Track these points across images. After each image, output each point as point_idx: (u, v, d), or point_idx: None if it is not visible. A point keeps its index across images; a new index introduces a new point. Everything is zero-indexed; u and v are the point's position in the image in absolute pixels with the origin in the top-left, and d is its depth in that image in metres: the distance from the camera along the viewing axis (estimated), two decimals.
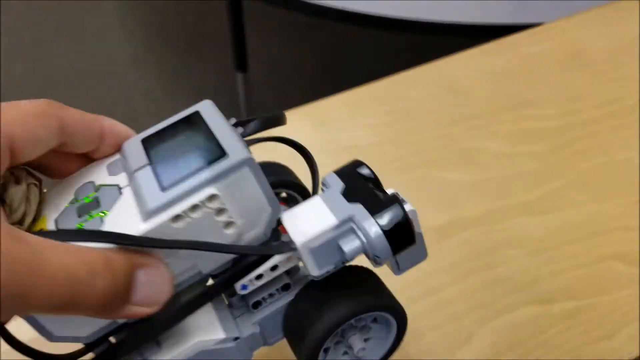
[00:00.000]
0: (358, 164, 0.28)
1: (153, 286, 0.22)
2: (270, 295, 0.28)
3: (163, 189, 0.23)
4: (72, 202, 0.25)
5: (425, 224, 0.47)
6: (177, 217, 0.23)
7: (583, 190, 0.51)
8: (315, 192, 0.28)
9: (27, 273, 0.18)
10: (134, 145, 0.26)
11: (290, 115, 0.53)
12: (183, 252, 0.24)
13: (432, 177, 0.51)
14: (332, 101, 0.56)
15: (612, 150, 0.54)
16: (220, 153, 0.24)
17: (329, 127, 0.53)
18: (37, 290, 0.19)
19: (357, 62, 1.51)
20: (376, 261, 0.25)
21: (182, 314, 0.25)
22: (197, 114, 0.26)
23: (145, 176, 0.24)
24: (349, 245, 0.24)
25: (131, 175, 0.25)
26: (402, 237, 0.25)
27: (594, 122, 0.56)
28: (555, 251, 0.47)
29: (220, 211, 0.24)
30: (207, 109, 0.27)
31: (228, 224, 0.24)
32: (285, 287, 0.28)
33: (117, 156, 0.27)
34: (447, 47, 0.64)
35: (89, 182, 0.26)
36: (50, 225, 0.25)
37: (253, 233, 0.25)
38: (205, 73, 1.49)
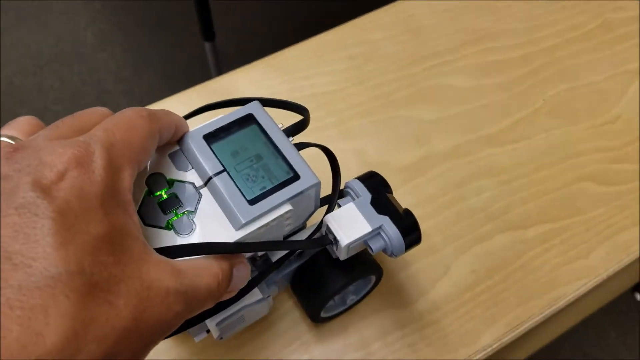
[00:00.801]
0: (374, 174, 0.35)
1: (240, 278, 0.26)
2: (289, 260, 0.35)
3: (250, 203, 0.27)
4: (148, 194, 0.28)
5: (397, 163, 0.46)
6: (261, 227, 0.28)
7: (550, 117, 0.50)
8: (335, 190, 0.33)
9: (190, 304, 0.22)
10: (198, 143, 0.29)
11: (254, 67, 0.51)
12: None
13: (399, 117, 0.49)
14: (294, 50, 0.53)
15: (576, 76, 0.52)
16: (295, 175, 0.29)
17: (293, 77, 0.51)
18: (193, 311, 0.23)
19: (324, 11, 1.47)
20: (391, 256, 0.32)
21: (248, 290, 0.30)
22: (251, 117, 0.31)
23: (226, 185, 0.28)
24: (376, 244, 0.31)
25: (208, 180, 0.28)
26: (414, 242, 0.32)
27: (556, 50, 0.54)
28: (526, 178, 0.46)
29: (288, 218, 0.29)
30: (258, 112, 0.31)
31: (288, 224, 0.30)
32: (300, 254, 0.36)
33: (175, 147, 0.29)
34: None
35: (158, 174, 0.28)
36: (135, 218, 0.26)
37: (298, 224, 0.32)
38: (174, 46, 1.44)
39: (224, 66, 1.20)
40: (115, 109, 0.27)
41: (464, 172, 0.46)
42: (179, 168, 0.29)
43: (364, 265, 0.35)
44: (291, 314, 0.38)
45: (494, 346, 0.38)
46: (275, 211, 0.28)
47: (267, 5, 1.53)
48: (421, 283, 0.40)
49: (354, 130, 0.48)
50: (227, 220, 0.28)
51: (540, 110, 0.50)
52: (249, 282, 0.28)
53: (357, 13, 0.57)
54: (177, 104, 0.48)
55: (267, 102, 0.32)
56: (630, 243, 0.43)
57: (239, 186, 0.28)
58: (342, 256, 0.32)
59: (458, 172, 0.46)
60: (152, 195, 0.28)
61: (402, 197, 0.44)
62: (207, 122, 0.30)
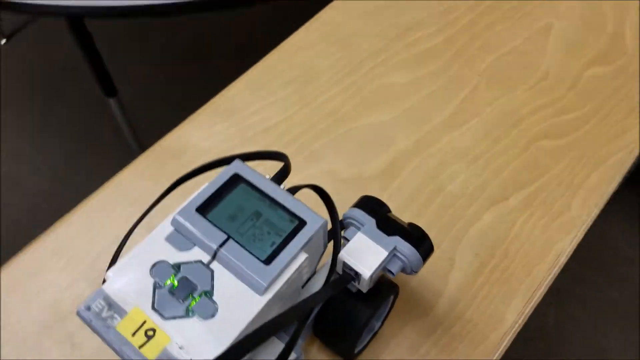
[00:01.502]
0: (369, 198, 0.34)
1: None
2: None
3: (266, 263, 0.26)
4: (157, 287, 0.25)
5: (369, 172, 0.45)
6: (284, 284, 0.26)
7: (489, 89, 0.51)
8: (336, 225, 0.30)
9: None
10: (192, 218, 0.27)
11: (198, 116, 0.49)
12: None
13: (355, 128, 0.48)
14: (232, 90, 0.51)
15: (497, 45, 0.54)
16: (300, 222, 0.28)
17: (240, 116, 0.49)
18: None
19: (227, 45, 1.45)
20: (410, 273, 0.32)
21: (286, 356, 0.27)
22: (237, 177, 0.29)
23: (236, 252, 0.26)
24: (395, 267, 0.31)
25: (215, 253, 0.26)
26: (429, 253, 0.32)
27: (473, 25, 0.56)
28: (489, 152, 0.47)
29: (305, 266, 0.28)
30: (243, 169, 0.29)
31: (306, 272, 0.29)
32: None
33: (170, 229, 0.27)
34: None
35: (160, 262, 0.26)
36: (154, 318, 0.25)
37: (313, 269, 0.31)
38: (74, 107, 1.36)
39: (132, 116, 1.15)
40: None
41: (434, 163, 0.46)
42: (181, 249, 0.27)
43: (382, 287, 0.34)
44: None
45: (519, 321, 0.38)
46: (293, 264, 0.27)
47: (160, 51, 1.48)
48: (433, 284, 0.40)
49: (317, 153, 0.46)
50: (248, 288, 0.26)
51: (479, 86, 0.51)
52: (285, 349, 0.26)
53: (269, 42, 0.55)
54: (137, 172, 0.45)
55: (243, 158, 0.31)
56: (599, 184, 0.45)
57: (248, 249, 0.27)
58: (366, 288, 0.31)
59: (428, 165, 0.46)
60: (159, 287, 0.25)
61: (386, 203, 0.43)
62: (194, 195, 0.29)
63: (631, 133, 0.48)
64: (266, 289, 0.26)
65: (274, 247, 0.27)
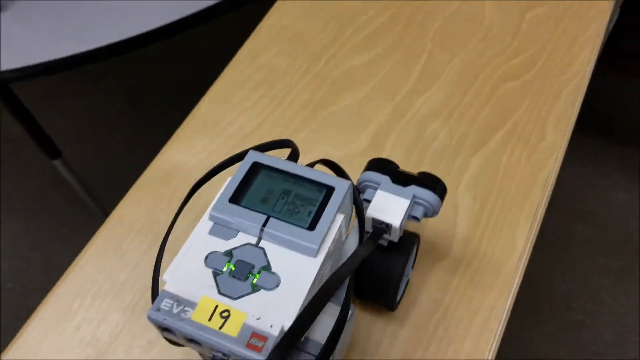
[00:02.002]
0: (376, 159, 0.36)
1: None
2: None
3: (310, 229, 0.28)
4: (217, 274, 0.27)
5: (358, 149, 0.48)
6: (331, 244, 0.28)
7: (443, 51, 0.54)
8: (352, 191, 0.32)
9: None
10: (228, 209, 0.29)
11: (178, 137, 0.50)
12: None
13: (331, 114, 0.50)
14: (203, 106, 0.52)
15: (440, 9, 0.58)
16: (329, 188, 0.29)
17: (219, 128, 0.50)
18: None
19: (164, 91, 1.44)
20: (432, 216, 0.35)
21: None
22: (257, 164, 0.31)
23: (280, 227, 0.28)
24: (418, 212, 0.34)
25: (261, 232, 0.28)
26: (444, 193, 0.35)
27: None
28: (460, 106, 0.50)
29: (343, 227, 0.29)
30: (259, 157, 0.31)
31: (344, 233, 0.30)
32: None
33: (210, 224, 0.29)
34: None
35: (212, 253, 0.28)
36: (224, 300, 0.26)
37: (346, 231, 0.31)
38: (23, 177, 1.32)
39: (84, 172, 1.13)
40: None
41: (414, 127, 0.49)
42: (227, 239, 0.28)
43: (406, 238, 0.36)
44: (361, 320, 0.38)
45: (528, 246, 0.41)
46: (334, 225, 0.29)
47: (104, 99, 1.46)
48: (444, 231, 0.42)
49: (303, 145, 0.48)
50: (302, 255, 0.28)
51: (433, 51, 0.55)
52: (345, 304, 0.28)
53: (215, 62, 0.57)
54: (133, 203, 0.45)
55: (263, 149, 0.33)
56: (564, 110, 0.49)
57: (290, 222, 0.28)
58: (397, 237, 0.33)
59: (409, 130, 0.49)
60: (219, 274, 0.27)
61: None
62: (222, 190, 0.30)
63: (577, 60, 0.52)
64: (318, 251, 0.27)
65: (312, 215, 0.28)
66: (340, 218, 0.29)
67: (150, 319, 0.26)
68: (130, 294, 0.41)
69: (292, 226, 0.28)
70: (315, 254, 0.27)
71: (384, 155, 0.47)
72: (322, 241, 0.28)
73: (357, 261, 0.27)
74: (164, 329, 0.27)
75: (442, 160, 0.46)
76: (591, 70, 0.52)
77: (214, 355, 0.25)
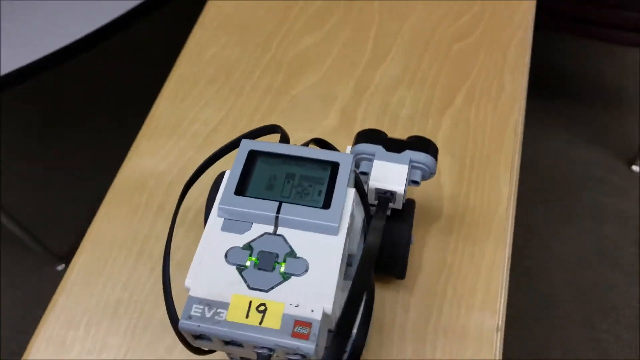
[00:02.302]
0: (362, 132, 0.35)
1: None
2: None
3: (325, 207, 0.27)
4: (241, 269, 0.26)
5: (329, 127, 0.47)
6: (349, 218, 0.28)
7: (392, 20, 0.55)
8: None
9: None
10: (236, 202, 0.28)
11: (140, 143, 0.47)
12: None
13: (294, 97, 0.49)
14: (159, 107, 0.49)
15: None
16: (333, 164, 0.29)
17: (182, 127, 0.48)
18: None
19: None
20: (430, 177, 0.34)
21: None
22: (253, 152, 0.30)
23: (295, 211, 0.27)
24: (417, 176, 0.34)
25: (276, 220, 0.27)
26: (436, 153, 0.34)
27: None
28: (420, 71, 0.51)
29: (354, 199, 0.29)
30: (254, 144, 0.30)
31: (356, 203, 0.30)
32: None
33: (220, 221, 0.28)
34: None
35: (231, 249, 0.27)
36: (257, 294, 0.25)
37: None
38: None
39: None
40: None
41: (379, 98, 0.49)
42: (242, 232, 0.27)
43: (404, 204, 0.36)
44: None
45: (513, 192, 0.43)
46: (348, 200, 0.29)
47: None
48: (431, 193, 0.43)
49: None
50: (323, 235, 0.27)
51: (382, 20, 0.55)
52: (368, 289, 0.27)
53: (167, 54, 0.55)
54: (109, 217, 0.42)
55: (251, 137, 0.32)
56: (517, 59, 0.50)
57: (304, 204, 0.27)
58: (401, 204, 0.33)
59: (376, 102, 0.49)
60: (244, 269, 0.26)
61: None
62: (224, 184, 0.29)
63: (520, 11, 0.54)
64: (339, 228, 0.27)
65: (323, 194, 0.28)
66: (351, 192, 0.28)
67: (182, 329, 0.24)
68: (126, 315, 0.38)
69: (306, 208, 0.27)
70: (336, 231, 0.27)
71: (355, 129, 0.47)
72: (341, 218, 0.27)
73: (379, 234, 0.27)
74: (197, 337, 0.25)
75: (414, 125, 0.47)
76: (533, 20, 0.54)
77: (258, 354, 0.24)
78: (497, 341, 0.36)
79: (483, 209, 0.42)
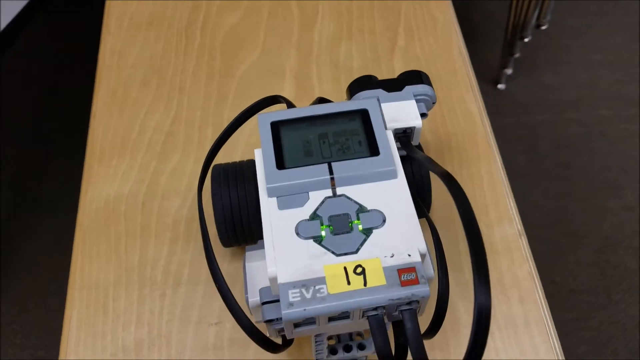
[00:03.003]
0: (355, 81, 0.34)
1: None
2: None
3: (374, 154, 0.26)
4: (319, 241, 0.24)
5: (292, 92, 0.45)
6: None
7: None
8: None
9: None
10: (284, 175, 0.26)
11: (94, 166, 0.42)
12: None
13: (242, 76, 0.47)
14: (100, 125, 0.44)
15: None
16: (362, 111, 0.28)
17: (133, 142, 0.43)
18: None
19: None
20: (432, 106, 0.34)
21: None
22: (275, 124, 0.28)
23: (346, 167, 0.26)
24: (423, 107, 0.32)
25: (332, 181, 0.26)
26: (429, 79, 0.34)
27: None
28: (353, 22, 0.50)
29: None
30: (272, 116, 0.28)
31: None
32: None
33: (274, 201, 0.26)
34: None
35: (299, 224, 0.25)
36: (347, 258, 0.23)
37: None
38: None
39: None
40: None
41: (327, 58, 0.47)
42: (301, 205, 0.25)
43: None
44: None
45: (482, 108, 0.44)
46: (391, 141, 0.28)
47: None
48: None
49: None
50: (384, 182, 0.26)
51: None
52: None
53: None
54: (88, 254, 0.37)
55: (249, 114, 0.30)
56: (444, 8, 0.52)
57: (352, 158, 0.26)
58: (417, 139, 0.32)
59: (324, 62, 0.47)
60: (322, 239, 0.24)
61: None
62: (261, 163, 0.27)
63: None
64: (397, 171, 0.26)
65: (365, 142, 0.27)
66: (390, 134, 0.27)
67: (287, 319, 0.22)
68: (152, 353, 0.34)
69: (357, 161, 0.26)
70: (396, 174, 0.26)
71: (316, 93, 0.45)
72: (394, 159, 0.26)
73: (435, 162, 0.26)
74: (297, 325, 0.23)
75: (370, 73, 0.46)
76: None
77: (370, 318, 0.23)
78: (524, 245, 0.38)
79: (463, 131, 0.43)
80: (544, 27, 1.35)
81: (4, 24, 0.67)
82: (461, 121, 0.43)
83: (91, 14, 0.55)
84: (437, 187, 0.34)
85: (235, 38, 0.49)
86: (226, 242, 0.34)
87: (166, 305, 0.36)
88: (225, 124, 0.44)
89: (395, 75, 0.46)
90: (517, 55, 1.26)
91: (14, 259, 1.13)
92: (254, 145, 0.42)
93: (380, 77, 0.46)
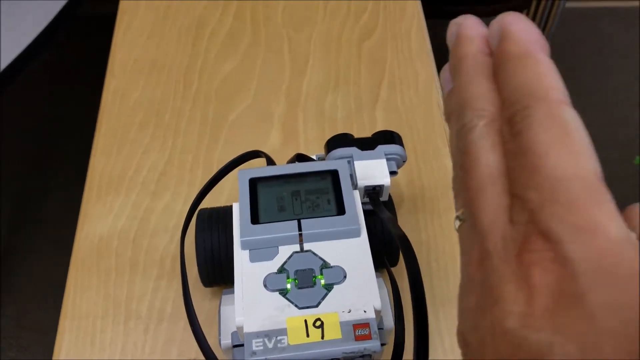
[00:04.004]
0: (331, 139, 0.36)
1: None
2: None
3: (340, 213, 0.29)
4: (284, 293, 0.26)
5: (276, 144, 0.48)
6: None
7: (297, 32, 0.56)
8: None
9: None
10: (256, 230, 0.28)
11: (92, 203, 0.45)
12: None
13: (233, 122, 0.49)
14: (99, 164, 0.46)
15: (272, 2, 0.60)
16: (332, 172, 0.30)
17: (129, 182, 0.45)
18: None
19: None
20: (402, 164, 0.36)
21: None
22: (253, 180, 0.30)
23: (314, 224, 0.28)
24: (393, 166, 0.35)
25: (300, 237, 0.28)
26: (401, 140, 0.36)
27: None
28: (340, 73, 0.53)
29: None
30: (252, 172, 0.31)
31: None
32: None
33: (246, 253, 0.28)
34: None
35: (267, 276, 0.27)
36: (308, 311, 0.26)
37: None
38: None
39: None
40: None
41: (313, 106, 0.50)
42: (271, 258, 0.28)
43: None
44: None
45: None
46: (357, 201, 0.30)
47: None
48: None
49: (225, 159, 0.47)
50: (348, 239, 0.28)
51: (290, 35, 0.56)
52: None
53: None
54: (84, 288, 0.39)
55: (231, 168, 0.32)
56: (420, 45, 0.55)
57: (320, 216, 0.28)
58: (386, 196, 0.35)
59: (310, 110, 0.50)
60: (287, 292, 0.26)
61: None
62: (237, 218, 0.29)
63: (409, 2, 0.59)
64: (360, 229, 0.28)
65: (333, 201, 0.29)
66: (357, 194, 0.30)
67: None
68: None
69: (324, 219, 0.28)
70: (359, 233, 0.28)
71: (302, 141, 0.48)
72: (358, 219, 0.28)
73: (396, 222, 0.29)
74: None
75: (353, 123, 0.49)
76: (421, 8, 0.59)
77: None
78: None
79: (437, 183, 0.45)
80: None
81: (5, 64, 0.70)
82: (436, 173, 0.46)
83: (94, 53, 0.58)
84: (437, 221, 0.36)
85: (230, 85, 0.52)
86: (207, 282, 0.36)
87: (149, 339, 0.38)
88: (214, 166, 0.46)
89: (376, 125, 0.49)
90: None
91: (13, 273, 1.14)
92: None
93: (362, 126, 0.48)
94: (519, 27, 0.17)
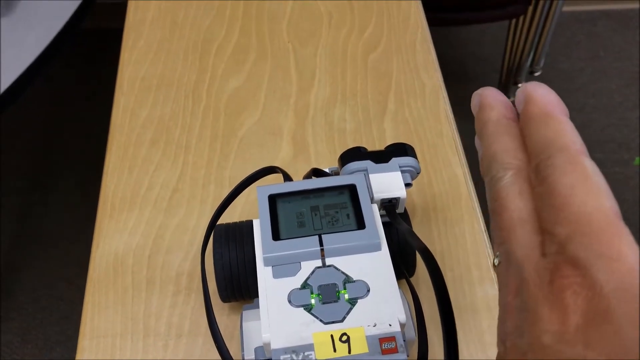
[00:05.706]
0: (346, 152, 0.36)
1: None
2: None
3: (361, 228, 0.29)
4: (309, 309, 0.27)
5: (287, 157, 0.50)
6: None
7: (303, 47, 0.57)
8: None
9: None
10: (278, 246, 0.29)
11: (108, 214, 0.45)
12: None
13: (243, 138, 0.50)
14: (111, 182, 0.47)
15: (277, 15, 0.60)
16: (350, 186, 0.31)
17: (142, 198, 0.46)
18: None
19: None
20: (416, 176, 0.37)
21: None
22: (272, 197, 0.31)
23: (336, 239, 0.29)
24: (408, 178, 0.35)
25: (322, 252, 0.28)
26: (415, 152, 0.37)
27: (250, 7, 0.61)
28: (347, 86, 0.54)
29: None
30: (269, 189, 0.31)
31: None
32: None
33: (269, 270, 0.28)
34: None
35: (291, 292, 0.27)
36: (334, 327, 0.26)
37: None
38: None
39: None
40: None
41: (321, 119, 0.51)
42: (294, 274, 0.28)
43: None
44: None
45: (466, 168, 0.47)
46: (376, 215, 0.31)
47: None
48: None
49: (237, 175, 0.47)
50: (369, 253, 0.29)
51: (295, 48, 0.57)
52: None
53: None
54: (102, 307, 0.40)
55: (248, 184, 0.33)
56: (425, 56, 0.55)
57: (340, 230, 0.29)
58: (402, 208, 0.35)
59: (318, 123, 0.51)
60: (311, 308, 0.26)
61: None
62: (258, 235, 0.29)
63: (412, 12, 0.60)
64: (381, 243, 0.28)
65: (353, 216, 0.29)
66: (376, 207, 0.30)
67: None
68: None
69: (345, 233, 0.28)
70: (380, 247, 0.28)
71: (312, 153, 0.48)
72: (379, 232, 0.29)
73: (415, 235, 0.29)
74: None
75: (362, 136, 0.49)
76: (424, 18, 0.60)
77: None
78: None
79: (448, 193, 0.46)
80: (537, 74, 1.39)
81: (9, 82, 0.71)
82: (447, 183, 0.46)
83: (99, 69, 0.59)
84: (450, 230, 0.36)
85: (239, 100, 0.53)
86: (225, 298, 0.37)
87: (168, 355, 0.38)
88: (226, 182, 0.47)
89: (385, 136, 0.49)
90: (511, 99, 1.30)
91: (17, 289, 1.14)
92: (252, 204, 0.45)
93: (371, 138, 0.49)
94: (541, 92, 0.20)
